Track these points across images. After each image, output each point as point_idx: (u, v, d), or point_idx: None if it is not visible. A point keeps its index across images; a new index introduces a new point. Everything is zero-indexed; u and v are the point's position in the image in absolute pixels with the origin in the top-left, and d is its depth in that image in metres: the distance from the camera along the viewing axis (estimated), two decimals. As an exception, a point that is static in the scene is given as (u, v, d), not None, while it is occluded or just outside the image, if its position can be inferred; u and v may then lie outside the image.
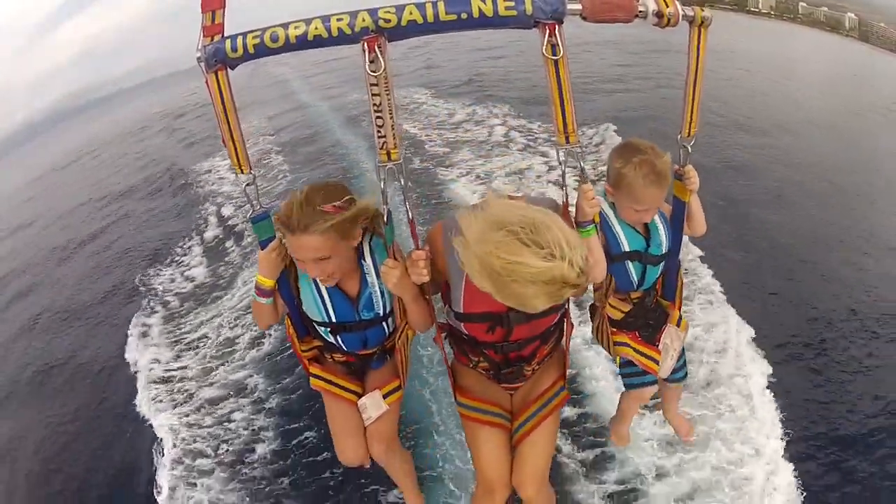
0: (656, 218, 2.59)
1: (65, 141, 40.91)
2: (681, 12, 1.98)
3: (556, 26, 1.88)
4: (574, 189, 2.20)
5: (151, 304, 10.62)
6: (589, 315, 3.00)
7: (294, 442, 6.76)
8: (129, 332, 9.83)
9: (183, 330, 9.59)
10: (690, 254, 8.59)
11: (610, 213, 2.57)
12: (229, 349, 8.65)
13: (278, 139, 19.04)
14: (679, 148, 2.38)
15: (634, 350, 2.82)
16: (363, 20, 1.84)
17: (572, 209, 2.24)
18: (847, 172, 13.65)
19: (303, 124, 20.78)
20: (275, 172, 15.66)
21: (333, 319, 2.41)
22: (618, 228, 2.56)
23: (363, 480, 5.72)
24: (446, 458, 6.00)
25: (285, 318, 2.53)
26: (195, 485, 6.56)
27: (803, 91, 22.63)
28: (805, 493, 5.64)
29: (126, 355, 9.21)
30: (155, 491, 6.55)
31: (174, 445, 7.09)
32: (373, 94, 1.89)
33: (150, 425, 7.55)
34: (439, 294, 2.44)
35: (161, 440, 7.22)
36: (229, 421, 7.31)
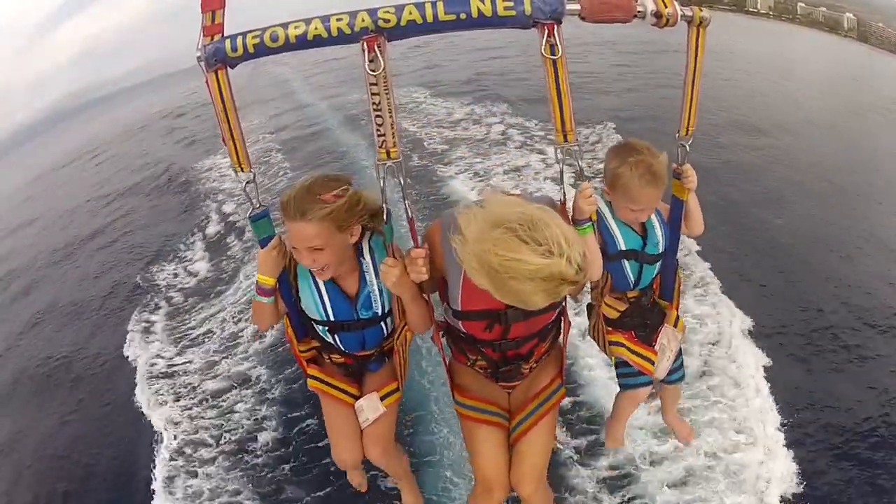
0: (653, 217, 2.59)
1: (65, 141, 40.86)
2: (679, 12, 1.98)
3: (555, 26, 1.89)
4: (572, 187, 2.21)
5: (155, 300, 10.73)
6: (586, 313, 3.00)
7: (296, 430, 6.85)
8: (129, 328, 9.93)
9: (187, 325, 9.69)
10: (686, 248, 8.69)
11: (607, 211, 2.57)
12: (233, 343, 8.75)
13: (278, 138, 19.10)
14: (677, 147, 2.38)
15: (629, 350, 2.81)
16: (363, 20, 1.84)
17: (570, 207, 2.25)
18: (846, 172, 13.70)
19: (303, 123, 20.85)
20: (275, 170, 15.76)
21: (331, 318, 2.41)
22: (614, 227, 2.57)
23: (362, 466, 5.79)
24: (445, 445, 6.09)
25: (284, 318, 2.52)
26: (196, 474, 6.65)
27: (802, 91, 22.64)
28: (800, 481, 5.75)
29: (127, 351, 9.31)
30: (153, 480, 6.66)
31: (175, 437, 7.17)
32: (372, 94, 1.90)
33: (152, 418, 7.64)
34: (437, 293, 2.44)
35: (161, 433, 7.30)
36: (232, 412, 7.41)
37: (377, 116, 1.93)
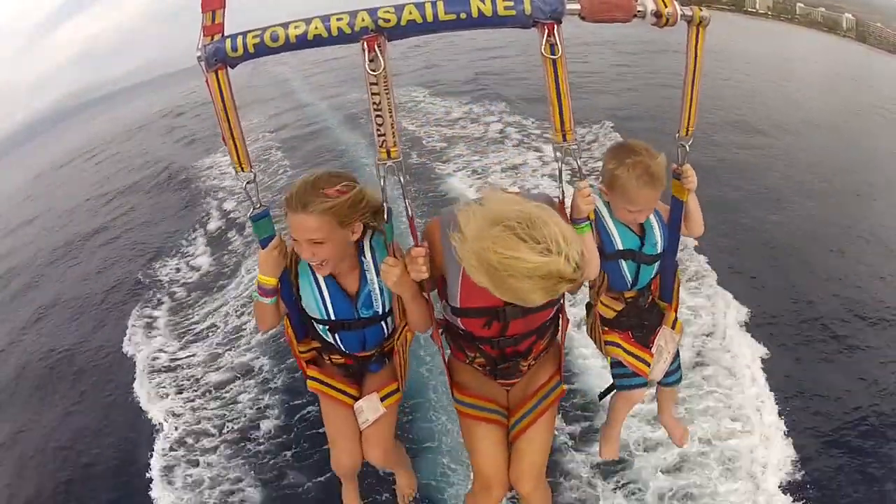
0: (652, 218, 2.57)
1: (65, 140, 41.02)
2: (679, 12, 1.97)
3: (555, 26, 1.88)
4: (570, 185, 2.22)
5: (158, 296, 10.86)
6: (585, 311, 2.99)
7: (297, 417, 6.98)
8: (131, 323, 10.06)
9: (191, 320, 9.81)
10: (682, 243, 8.84)
11: (605, 211, 2.55)
12: (236, 335, 8.88)
13: (278, 136, 19.23)
14: (677, 147, 2.36)
15: (625, 351, 2.79)
16: (363, 20, 1.83)
17: (568, 206, 2.26)
18: (844, 172, 13.82)
19: (302, 122, 20.99)
20: (275, 168, 15.88)
21: (332, 317, 2.39)
22: (612, 227, 2.55)
23: (361, 467, 5.90)
24: (443, 432, 6.24)
25: (284, 318, 2.50)
26: (197, 462, 6.76)
27: (801, 92, 22.70)
28: (794, 468, 5.87)
29: (126, 347, 9.42)
30: (151, 470, 6.79)
31: (176, 428, 7.29)
32: (372, 94, 1.90)
33: (153, 410, 7.76)
34: (436, 291, 2.44)
35: (161, 424, 7.42)
36: (235, 402, 7.54)
37: (377, 116, 1.93)
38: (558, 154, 2.10)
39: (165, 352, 9.00)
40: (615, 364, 2.88)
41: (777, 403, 6.51)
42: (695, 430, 6.08)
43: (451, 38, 29.04)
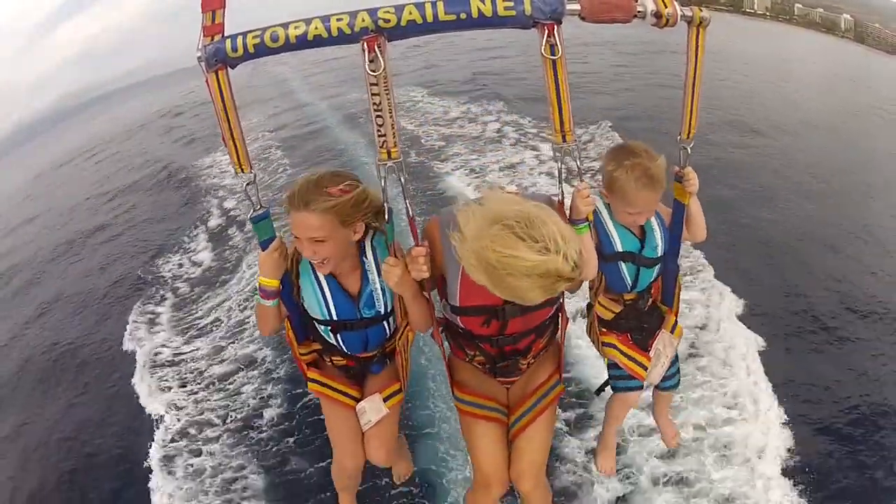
0: (653, 220, 2.55)
1: (65, 140, 41.11)
2: (679, 12, 1.96)
3: (555, 26, 1.88)
4: (569, 185, 2.22)
5: (161, 292, 10.96)
6: (586, 311, 2.99)
7: (300, 404, 7.07)
8: (132, 318, 10.16)
9: (195, 315, 9.91)
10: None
11: (605, 213, 2.54)
12: (239, 329, 8.99)
13: (278, 136, 19.32)
14: (679, 149, 2.34)
15: (621, 353, 2.77)
16: (363, 20, 1.83)
17: (568, 207, 2.26)
18: (842, 172, 13.93)
19: (302, 122, 21.07)
20: (274, 166, 15.98)
21: (334, 317, 2.38)
22: (611, 228, 2.54)
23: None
24: (443, 419, 6.36)
25: (285, 320, 2.49)
26: (200, 452, 6.86)
27: (800, 92, 22.76)
28: (788, 455, 6.00)
29: (129, 341, 9.51)
30: (149, 459, 6.90)
31: (178, 420, 7.38)
32: (373, 94, 1.89)
33: (155, 403, 7.87)
34: (436, 290, 2.43)
35: (163, 416, 7.52)
36: (239, 393, 7.64)
37: (377, 116, 1.92)
38: (558, 155, 2.10)
39: (168, 346, 9.09)
40: (612, 365, 2.87)
41: (772, 392, 6.62)
42: (689, 418, 6.20)
43: (451, 38, 29.09)
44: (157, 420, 7.51)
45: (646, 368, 2.78)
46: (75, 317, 11.23)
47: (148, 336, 9.53)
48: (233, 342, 8.67)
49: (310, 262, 2.31)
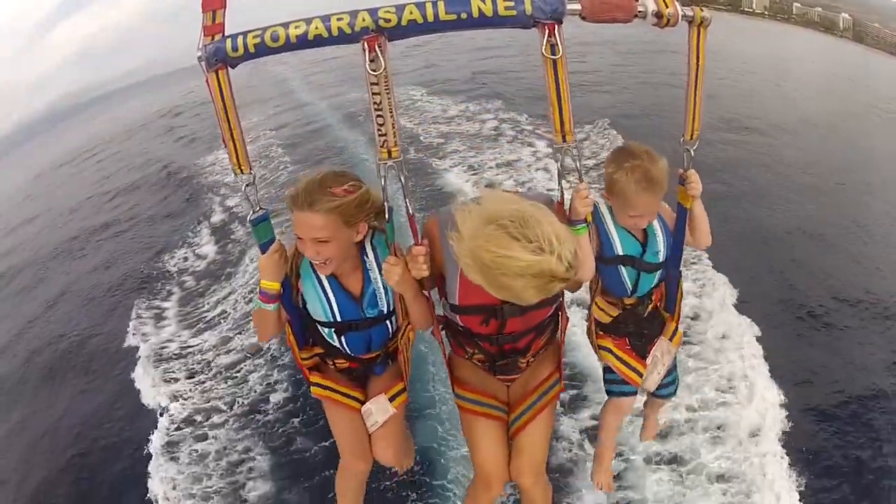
0: (656, 225, 2.52)
1: (65, 140, 41.15)
2: (680, 12, 1.96)
3: (556, 26, 1.88)
4: (569, 188, 2.22)
5: (167, 287, 11.10)
6: (588, 312, 2.98)
7: (305, 387, 7.10)
8: (139, 312, 10.30)
9: (201, 309, 10.04)
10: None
11: (607, 215, 2.52)
12: (245, 321, 9.10)
13: (279, 134, 19.41)
14: (682, 151, 2.33)
15: (616, 357, 2.76)
16: (363, 20, 1.83)
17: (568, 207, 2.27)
18: (841, 171, 13.96)
19: (302, 121, 21.14)
20: (275, 164, 16.09)
21: (338, 318, 2.37)
22: (612, 231, 2.51)
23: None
24: (442, 401, 6.49)
25: (286, 325, 2.48)
26: (205, 436, 7.02)
27: (798, 91, 22.75)
28: (781, 438, 6.15)
29: (135, 334, 9.65)
30: (150, 445, 7.06)
31: (184, 408, 7.53)
32: (373, 94, 1.89)
33: (165, 392, 8.00)
34: (436, 289, 2.44)
35: (169, 405, 7.66)
36: (245, 381, 7.79)
37: (378, 116, 1.93)
38: (558, 155, 2.09)
39: (175, 339, 9.23)
40: (607, 369, 2.86)
41: (768, 374, 6.79)
42: (682, 399, 6.33)
43: (450, 38, 29.09)
44: (163, 409, 7.64)
45: (641, 375, 2.76)
46: (82, 311, 11.37)
47: (155, 329, 9.67)
48: (239, 333, 8.81)
49: (311, 265, 2.31)
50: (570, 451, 6.06)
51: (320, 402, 2.66)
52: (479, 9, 1.82)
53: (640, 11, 1.93)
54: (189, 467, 6.64)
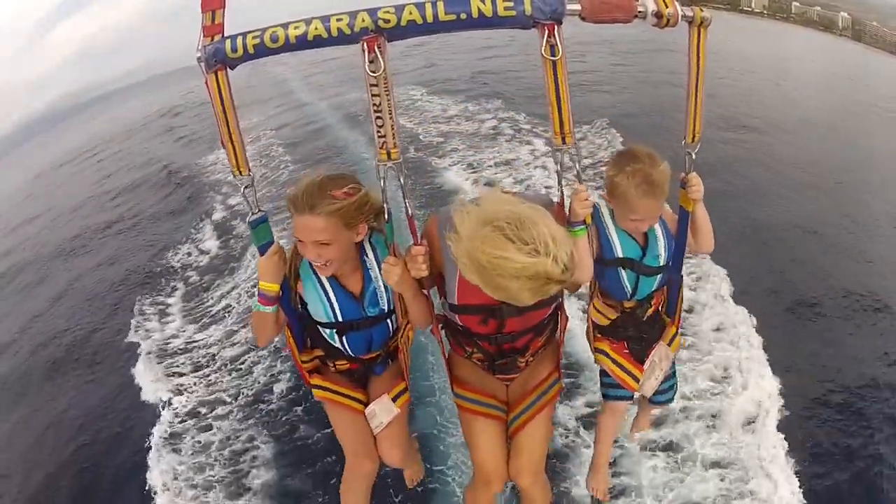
0: (657, 228, 2.50)
1: (65, 140, 41.17)
2: (680, 13, 1.95)
3: (555, 27, 1.87)
4: (567, 185, 2.21)
5: (172, 283, 11.18)
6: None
7: None
8: (143, 308, 10.37)
9: (206, 304, 10.12)
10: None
11: (608, 217, 2.50)
12: (249, 315, 9.17)
13: (279, 135, 19.46)
14: (684, 154, 2.32)
15: (612, 361, 2.74)
16: (363, 20, 1.83)
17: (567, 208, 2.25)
18: (841, 171, 13.96)
19: (302, 121, 21.15)
20: (276, 162, 16.17)
21: (340, 318, 2.38)
22: (613, 233, 2.50)
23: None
24: (442, 390, 6.54)
25: (285, 328, 2.48)
26: (210, 427, 7.10)
27: (798, 91, 22.76)
28: (776, 424, 6.23)
29: (139, 330, 9.71)
30: (152, 438, 7.14)
31: (187, 400, 7.63)
32: (373, 95, 1.89)
33: (169, 385, 8.08)
34: (436, 288, 2.44)
35: (173, 398, 7.74)
36: (250, 373, 7.88)
37: (377, 117, 1.92)
38: (557, 155, 2.08)
39: (180, 333, 9.32)
40: (603, 372, 2.84)
41: (760, 365, 6.88)
42: (678, 388, 6.46)
43: (450, 38, 29.07)
44: (167, 401, 7.71)
45: (637, 380, 2.75)
46: (86, 307, 11.44)
47: (159, 324, 9.76)
48: (244, 326, 8.89)
49: (310, 266, 2.31)
50: (567, 437, 6.14)
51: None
52: (479, 9, 1.82)
53: (639, 12, 1.92)
54: (192, 457, 6.73)
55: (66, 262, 14.62)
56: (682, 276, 2.67)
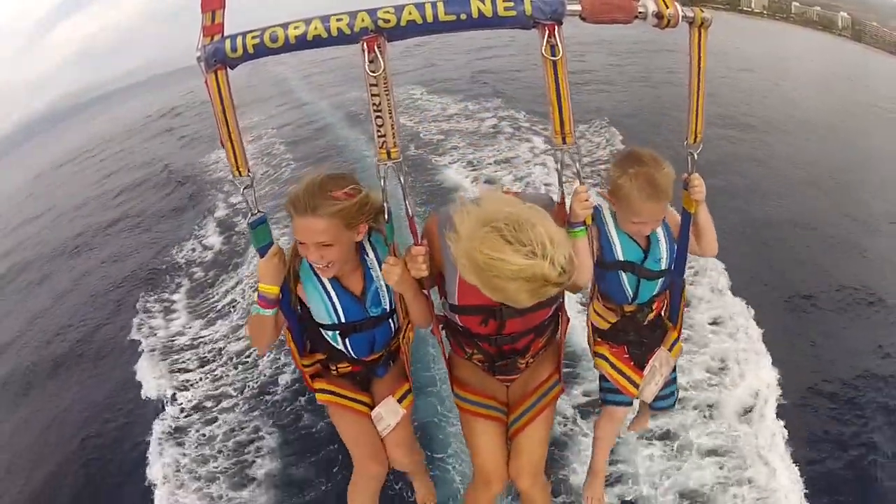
0: (660, 232, 2.46)
1: (65, 140, 41.16)
2: (680, 13, 1.93)
3: (556, 27, 1.86)
4: (567, 183, 2.20)
5: (177, 280, 11.28)
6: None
7: None
8: (148, 304, 10.45)
9: (211, 299, 10.22)
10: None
11: (609, 219, 2.47)
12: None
13: (280, 133, 19.54)
14: (686, 155, 2.28)
15: (611, 366, 2.71)
16: (362, 20, 1.82)
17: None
18: (841, 171, 14.03)
19: (303, 120, 21.23)
20: (278, 160, 16.24)
21: (343, 320, 2.36)
22: (614, 236, 2.47)
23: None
24: (444, 380, 6.55)
25: (285, 331, 2.46)
26: (216, 419, 7.16)
27: (797, 91, 22.78)
28: (774, 412, 6.34)
29: (144, 327, 9.79)
30: (153, 433, 7.19)
31: (192, 395, 7.70)
32: (372, 95, 1.88)
33: (173, 381, 8.15)
34: (436, 288, 2.43)
35: (176, 393, 7.81)
36: (255, 366, 7.95)
37: (377, 117, 1.92)
38: (557, 154, 2.07)
39: (186, 329, 9.39)
40: (603, 377, 2.80)
41: (759, 355, 6.99)
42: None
43: (450, 38, 29.07)
44: (171, 396, 7.78)
45: (637, 385, 2.72)
46: (90, 304, 11.53)
47: (164, 321, 9.83)
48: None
49: (311, 268, 2.29)
50: (565, 425, 6.19)
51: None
52: (479, 9, 1.81)
53: (640, 12, 1.91)
54: (197, 449, 6.80)
55: (68, 260, 14.70)
56: (684, 280, 2.64)
